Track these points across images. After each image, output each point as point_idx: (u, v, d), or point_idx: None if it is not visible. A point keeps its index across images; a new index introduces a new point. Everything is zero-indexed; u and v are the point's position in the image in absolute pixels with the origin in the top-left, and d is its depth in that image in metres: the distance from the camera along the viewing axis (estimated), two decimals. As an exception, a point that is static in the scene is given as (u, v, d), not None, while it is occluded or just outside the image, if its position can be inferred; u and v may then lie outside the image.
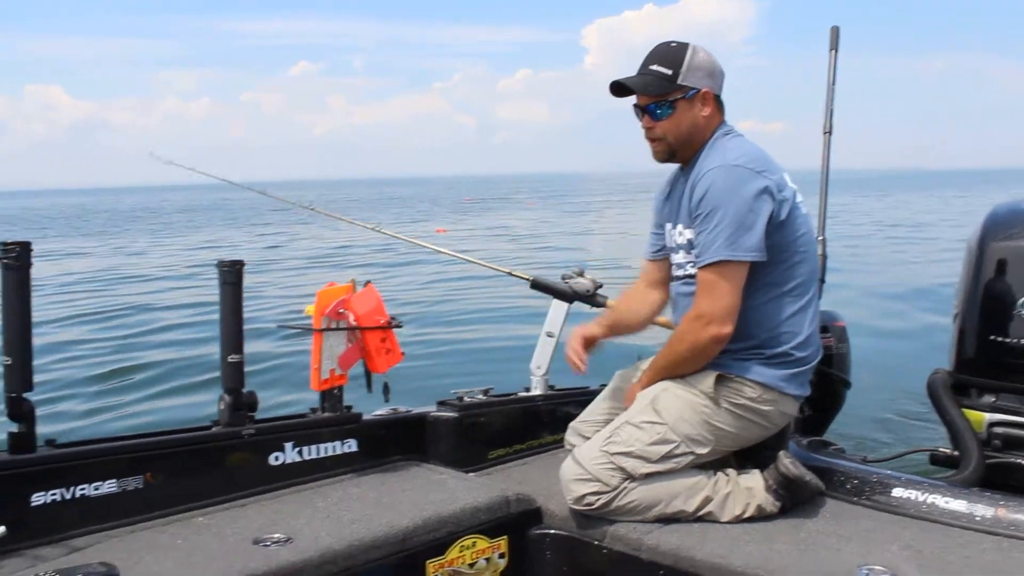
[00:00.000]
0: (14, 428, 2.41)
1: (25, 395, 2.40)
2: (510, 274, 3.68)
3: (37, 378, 2.43)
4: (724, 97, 2.81)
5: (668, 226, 2.90)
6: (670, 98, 2.71)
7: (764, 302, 2.66)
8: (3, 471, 2.36)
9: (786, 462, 2.66)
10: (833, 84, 3.64)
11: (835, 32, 3.68)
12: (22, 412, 2.40)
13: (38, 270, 2.40)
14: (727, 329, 2.59)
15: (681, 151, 2.78)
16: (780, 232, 2.62)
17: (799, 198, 2.74)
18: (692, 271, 2.73)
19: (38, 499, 2.39)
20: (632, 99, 2.77)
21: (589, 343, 2.98)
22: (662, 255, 2.99)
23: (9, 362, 2.37)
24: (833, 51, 3.66)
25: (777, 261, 2.63)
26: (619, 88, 2.74)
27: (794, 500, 2.69)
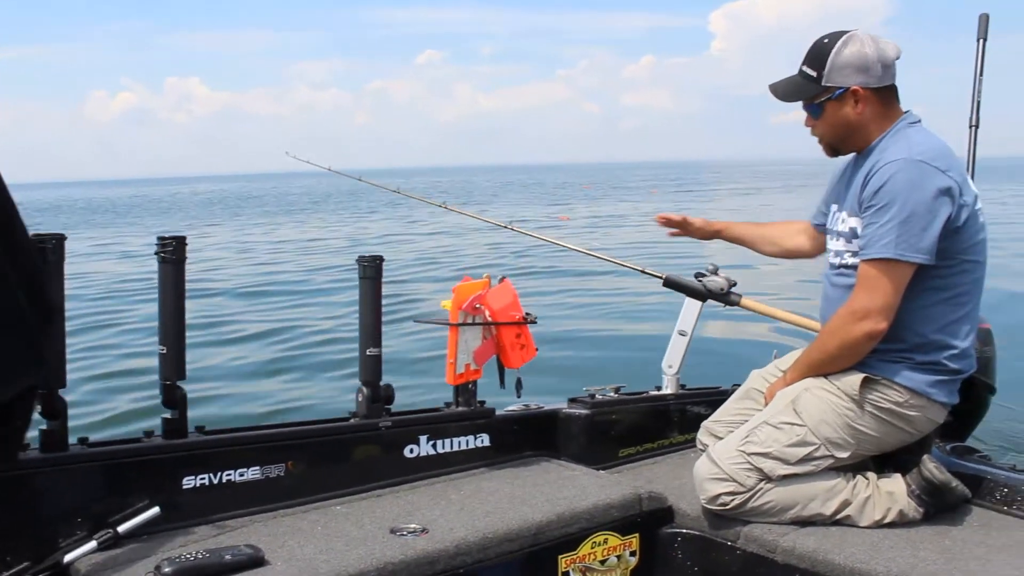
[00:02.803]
0: (168, 414, 2.53)
1: (179, 383, 2.51)
2: (643, 272, 3.65)
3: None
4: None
5: (834, 207, 2.82)
6: (816, 100, 2.66)
7: (924, 306, 2.57)
8: (159, 455, 2.48)
9: (931, 467, 2.56)
10: (980, 75, 3.47)
11: (984, 20, 3.51)
12: (176, 399, 2.51)
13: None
14: (882, 326, 2.51)
15: (844, 147, 2.74)
16: (954, 236, 2.52)
17: (979, 204, 2.62)
18: (849, 261, 2.66)
19: (188, 482, 2.50)
20: None
21: (683, 226, 3.27)
22: (822, 229, 2.97)
23: (164, 351, 2.49)
24: (981, 40, 3.49)
25: (945, 266, 2.53)
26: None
27: (938, 507, 2.59)
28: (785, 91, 2.71)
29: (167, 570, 2.08)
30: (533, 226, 4.35)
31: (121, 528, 2.32)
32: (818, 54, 2.65)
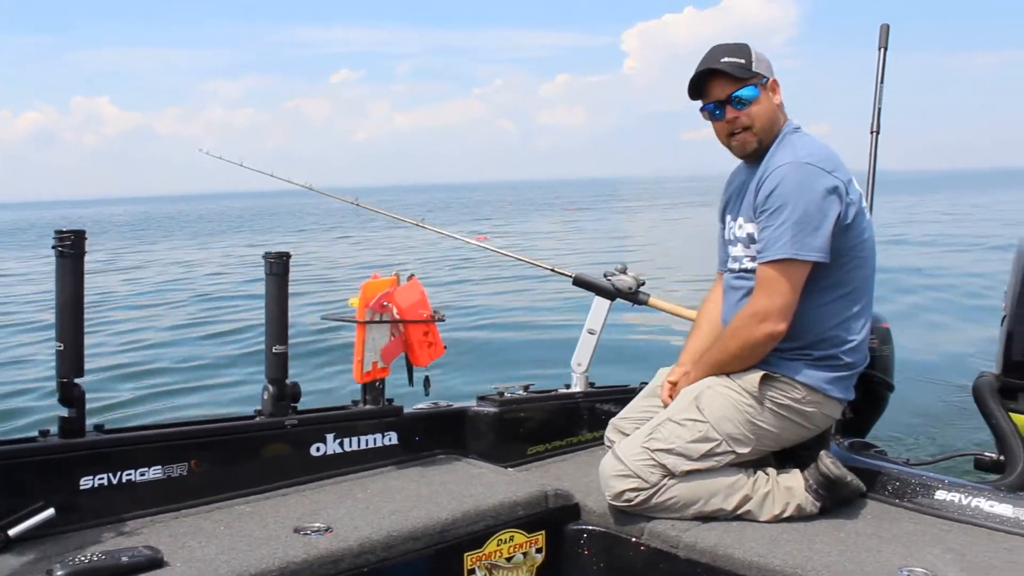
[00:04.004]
0: (65, 412, 2.45)
1: (76, 380, 2.44)
2: (553, 271, 3.67)
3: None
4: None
5: (728, 218, 2.88)
6: (752, 82, 2.67)
7: (819, 304, 2.64)
8: (54, 455, 2.40)
9: (827, 462, 2.64)
10: (881, 83, 3.59)
11: (884, 30, 3.63)
12: (73, 397, 2.44)
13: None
14: (782, 327, 2.57)
15: (767, 138, 2.72)
16: (844, 235, 2.60)
17: (864, 202, 2.71)
18: (749, 265, 2.72)
19: (86, 483, 2.43)
20: (698, 104, 2.75)
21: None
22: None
23: (62, 348, 2.42)
24: (882, 49, 3.61)
25: (837, 264, 2.61)
26: (696, 86, 2.72)
27: (834, 501, 2.67)
28: (732, 68, 2.66)
29: (59, 573, 2.01)
30: (453, 243, 4.35)
31: (12, 531, 2.23)
32: (736, 49, 2.70)
